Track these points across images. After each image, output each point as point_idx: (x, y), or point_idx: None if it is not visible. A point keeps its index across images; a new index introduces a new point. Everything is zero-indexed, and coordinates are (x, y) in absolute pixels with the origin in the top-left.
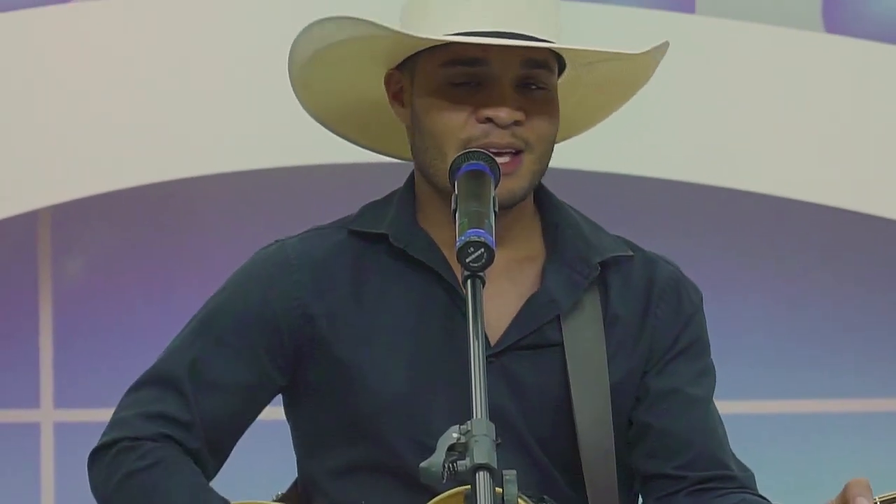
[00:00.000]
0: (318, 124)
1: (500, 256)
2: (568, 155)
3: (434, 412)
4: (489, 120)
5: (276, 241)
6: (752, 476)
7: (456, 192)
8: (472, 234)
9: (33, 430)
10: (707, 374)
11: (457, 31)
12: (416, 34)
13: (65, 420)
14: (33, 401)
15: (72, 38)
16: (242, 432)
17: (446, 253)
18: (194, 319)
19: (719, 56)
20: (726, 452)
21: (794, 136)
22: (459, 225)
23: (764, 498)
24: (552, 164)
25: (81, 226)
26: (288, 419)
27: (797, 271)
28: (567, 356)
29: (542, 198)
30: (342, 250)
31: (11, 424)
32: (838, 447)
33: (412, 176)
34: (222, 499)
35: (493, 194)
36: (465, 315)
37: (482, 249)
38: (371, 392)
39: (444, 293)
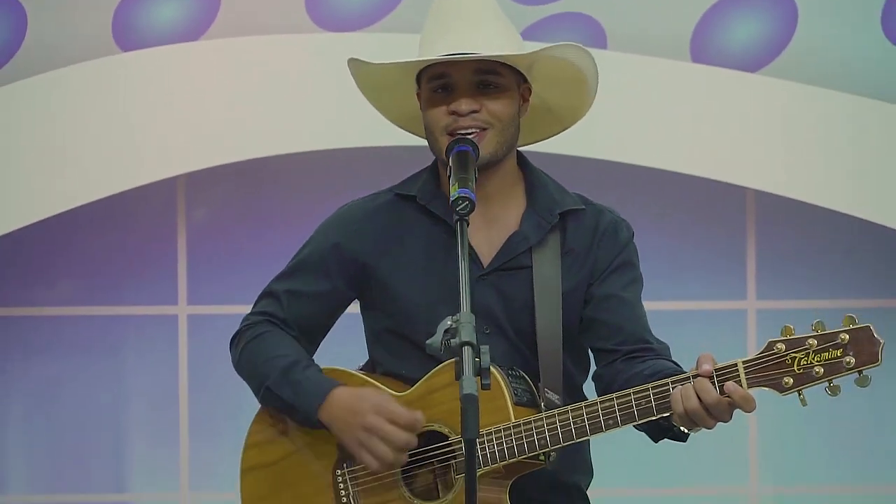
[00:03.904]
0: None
1: (495, 205)
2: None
3: (439, 310)
4: (455, 112)
5: (351, 201)
6: (668, 347)
7: (450, 164)
8: (461, 192)
9: (172, 321)
10: (635, 283)
11: (429, 57)
12: (403, 61)
13: (195, 313)
14: (173, 299)
15: (210, 57)
16: (327, 326)
17: None
18: (295, 254)
19: (624, 83)
20: (649, 333)
21: (659, 143)
22: (452, 186)
23: (674, 362)
24: (564, 151)
25: (207, 186)
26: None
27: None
28: (533, 275)
29: (523, 166)
30: (389, 207)
31: (156, 316)
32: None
33: None
34: (311, 358)
35: (475, 165)
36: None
37: (467, 202)
38: (400, 301)
39: (450, 236)
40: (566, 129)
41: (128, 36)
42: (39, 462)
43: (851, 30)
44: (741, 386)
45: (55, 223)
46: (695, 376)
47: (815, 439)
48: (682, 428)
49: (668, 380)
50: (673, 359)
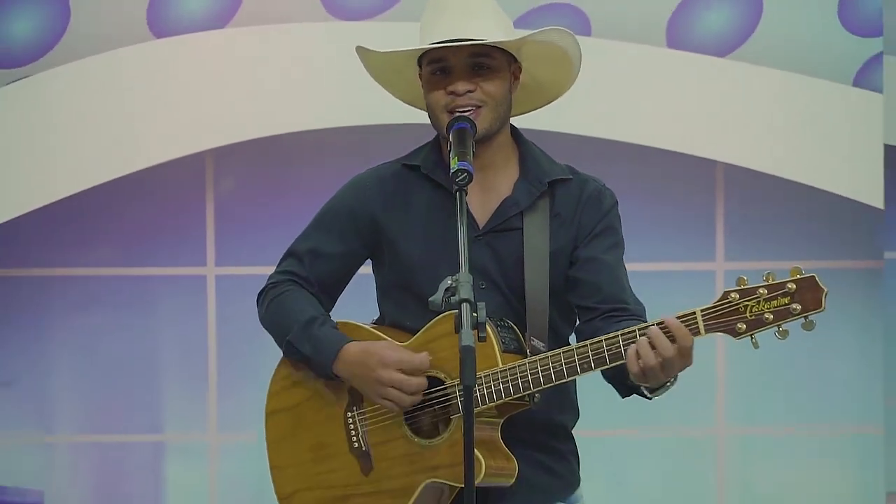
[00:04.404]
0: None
1: (491, 174)
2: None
3: (440, 268)
4: (453, 92)
5: (366, 170)
6: (644, 309)
7: (450, 139)
8: (460, 165)
9: (202, 281)
10: (617, 247)
11: (430, 43)
12: (405, 49)
13: (222, 274)
14: (202, 261)
15: (235, 44)
16: (343, 283)
17: None
18: (314, 217)
19: (607, 67)
20: (627, 294)
21: (638, 120)
22: (452, 159)
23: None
24: (554, 128)
25: (233, 159)
26: (374, 275)
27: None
28: (524, 236)
29: (517, 139)
30: (396, 175)
31: (186, 276)
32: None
33: None
34: (327, 314)
35: (472, 140)
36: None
37: (466, 174)
38: (405, 259)
39: (450, 202)
40: (553, 101)
41: (161, 24)
42: (84, 406)
43: (811, 18)
44: (700, 332)
45: (98, 192)
46: (658, 323)
47: (776, 383)
48: (643, 390)
49: (636, 327)
50: (647, 319)
